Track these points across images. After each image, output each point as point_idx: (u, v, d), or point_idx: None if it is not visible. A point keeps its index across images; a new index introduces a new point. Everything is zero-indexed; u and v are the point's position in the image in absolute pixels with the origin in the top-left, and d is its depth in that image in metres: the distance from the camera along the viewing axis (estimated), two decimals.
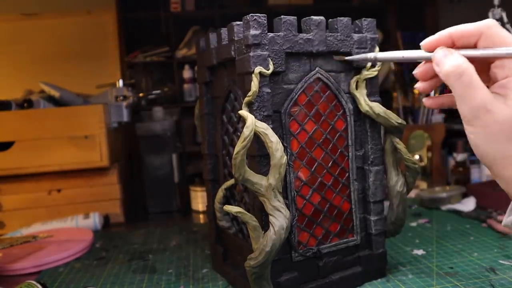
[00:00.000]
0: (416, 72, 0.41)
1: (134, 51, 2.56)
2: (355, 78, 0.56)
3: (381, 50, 0.58)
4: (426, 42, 0.39)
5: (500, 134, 0.34)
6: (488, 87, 0.36)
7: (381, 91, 0.58)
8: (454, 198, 0.92)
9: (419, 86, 0.42)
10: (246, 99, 0.49)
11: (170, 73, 2.61)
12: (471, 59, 0.36)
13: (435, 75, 0.40)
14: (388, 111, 0.55)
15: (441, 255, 0.65)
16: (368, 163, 0.57)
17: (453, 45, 0.38)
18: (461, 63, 0.35)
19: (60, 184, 0.96)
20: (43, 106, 1.00)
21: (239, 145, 0.46)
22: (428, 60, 0.40)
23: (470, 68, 0.35)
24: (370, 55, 0.47)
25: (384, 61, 0.47)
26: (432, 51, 0.39)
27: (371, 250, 0.58)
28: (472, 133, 0.35)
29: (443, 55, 0.37)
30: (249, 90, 0.48)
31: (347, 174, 0.56)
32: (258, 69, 0.48)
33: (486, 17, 1.02)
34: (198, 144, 0.71)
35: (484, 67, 0.38)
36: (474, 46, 0.37)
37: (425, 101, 0.43)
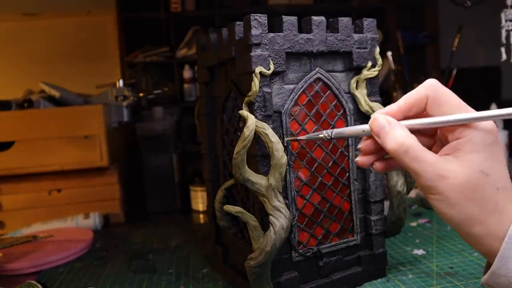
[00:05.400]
0: (361, 147, 0.40)
1: (134, 51, 2.56)
2: (355, 78, 0.56)
3: (381, 50, 0.58)
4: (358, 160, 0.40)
5: (459, 196, 0.34)
6: (431, 148, 0.37)
7: (381, 91, 0.58)
8: None
9: (360, 160, 0.40)
10: (247, 99, 0.49)
11: (170, 73, 2.62)
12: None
13: (380, 148, 0.39)
14: None
15: (441, 255, 0.65)
16: None
17: (407, 115, 0.38)
18: (404, 139, 0.35)
19: (60, 184, 0.96)
20: (43, 106, 1.00)
21: (239, 145, 0.46)
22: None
23: (414, 142, 0.35)
24: (324, 133, 0.43)
25: (335, 139, 0.44)
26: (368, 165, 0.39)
27: (371, 250, 0.58)
28: (434, 200, 0.35)
29: (381, 127, 0.37)
30: (250, 90, 0.48)
31: (347, 174, 0.56)
32: (258, 69, 0.48)
33: (489, 16, 1.02)
34: (198, 144, 0.70)
35: (428, 134, 0.39)
36: (425, 109, 0.37)
37: (375, 166, 0.41)
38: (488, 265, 0.37)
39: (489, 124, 0.35)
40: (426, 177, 0.35)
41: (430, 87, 0.37)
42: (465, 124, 0.35)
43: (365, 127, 0.39)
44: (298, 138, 0.49)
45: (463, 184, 0.34)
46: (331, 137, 0.42)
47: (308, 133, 0.53)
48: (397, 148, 0.35)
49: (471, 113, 0.35)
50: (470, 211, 0.34)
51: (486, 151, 0.35)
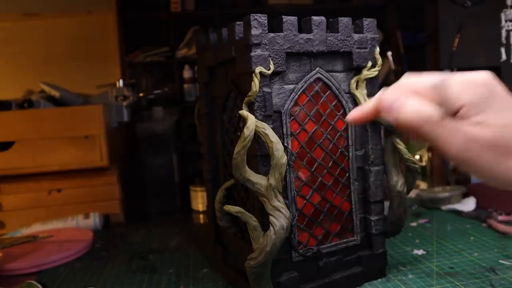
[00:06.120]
0: (350, 119, 0.40)
1: (134, 51, 2.56)
2: (355, 78, 0.56)
3: (381, 50, 0.58)
4: (351, 115, 0.39)
5: (496, 155, 0.33)
6: None
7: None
8: (454, 198, 0.92)
9: (352, 117, 0.40)
10: (247, 99, 0.49)
11: (170, 73, 2.61)
12: None
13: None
14: None
15: (441, 255, 0.65)
16: (368, 163, 0.57)
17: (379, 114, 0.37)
18: (425, 107, 0.34)
19: (60, 184, 0.96)
20: (43, 106, 1.00)
21: (239, 145, 0.46)
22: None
23: (433, 108, 0.34)
24: None
25: None
26: (360, 124, 0.38)
27: (371, 250, 0.58)
28: (473, 166, 0.34)
29: (393, 99, 0.35)
30: (250, 90, 0.48)
31: (347, 174, 0.56)
32: (258, 69, 0.48)
33: (490, 16, 1.02)
34: (198, 144, 0.70)
35: None
36: None
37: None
38: None
39: (481, 77, 0.33)
40: (457, 143, 0.33)
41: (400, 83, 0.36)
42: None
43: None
44: None
45: (494, 141, 0.32)
46: None
47: (308, 133, 0.53)
48: (419, 117, 0.33)
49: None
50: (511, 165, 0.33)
51: (494, 104, 0.33)
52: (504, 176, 0.34)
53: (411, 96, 0.35)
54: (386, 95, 0.36)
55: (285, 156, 0.47)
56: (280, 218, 0.47)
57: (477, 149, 0.33)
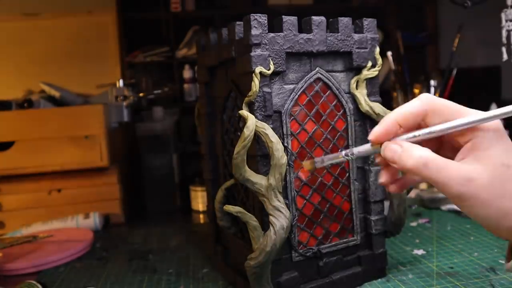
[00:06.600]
0: (379, 161, 0.40)
1: (134, 51, 2.56)
2: (355, 78, 0.56)
3: (381, 50, 0.58)
4: (374, 134, 0.39)
5: (491, 195, 0.34)
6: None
7: (381, 91, 0.58)
8: None
9: (383, 181, 0.41)
10: (247, 99, 0.49)
11: (170, 73, 2.62)
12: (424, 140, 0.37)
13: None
14: (388, 111, 0.55)
15: (441, 255, 0.65)
16: (368, 163, 0.57)
17: (400, 129, 0.38)
18: (420, 153, 0.35)
19: (60, 184, 0.96)
20: (43, 106, 1.00)
21: (239, 145, 0.46)
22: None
23: (430, 154, 0.35)
24: (343, 154, 0.42)
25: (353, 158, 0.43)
26: (381, 143, 0.38)
27: (371, 250, 0.58)
28: (467, 207, 0.35)
29: (394, 151, 0.37)
30: (250, 90, 0.48)
31: (347, 174, 0.56)
32: (258, 69, 0.48)
33: (490, 16, 1.02)
34: (198, 144, 0.71)
35: (433, 142, 0.39)
36: (419, 126, 0.37)
37: (391, 189, 0.41)
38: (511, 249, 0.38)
39: (495, 123, 0.35)
40: (453, 184, 0.34)
41: (427, 100, 0.37)
42: (472, 127, 0.35)
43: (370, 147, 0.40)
44: (316, 164, 0.44)
45: (491, 181, 0.34)
46: (350, 157, 0.41)
47: (308, 133, 0.53)
48: (416, 163, 0.35)
49: (476, 115, 0.35)
50: (506, 206, 0.34)
51: (501, 144, 0.35)
52: (494, 221, 0.35)
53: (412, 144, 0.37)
54: (390, 145, 0.37)
55: (285, 156, 0.47)
56: (280, 218, 0.47)
57: (473, 190, 0.34)
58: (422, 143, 0.37)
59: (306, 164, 0.45)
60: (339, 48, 0.54)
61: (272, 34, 0.49)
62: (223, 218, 0.59)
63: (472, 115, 0.35)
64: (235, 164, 0.47)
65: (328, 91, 0.54)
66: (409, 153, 0.36)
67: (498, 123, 0.35)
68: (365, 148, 0.40)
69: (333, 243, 0.55)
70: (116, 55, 2.55)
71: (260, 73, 0.48)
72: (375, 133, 0.38)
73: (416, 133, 0.37)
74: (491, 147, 0.35)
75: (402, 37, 1.27)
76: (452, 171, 0.35)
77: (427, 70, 2.67)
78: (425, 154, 0.35)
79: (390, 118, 0.38)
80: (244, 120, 0.47)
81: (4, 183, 0.94)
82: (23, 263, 0.71)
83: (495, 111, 0.34)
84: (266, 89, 0.49)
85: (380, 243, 0.58)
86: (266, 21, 0.49)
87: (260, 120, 0.48)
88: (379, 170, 0.57)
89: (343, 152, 0.41)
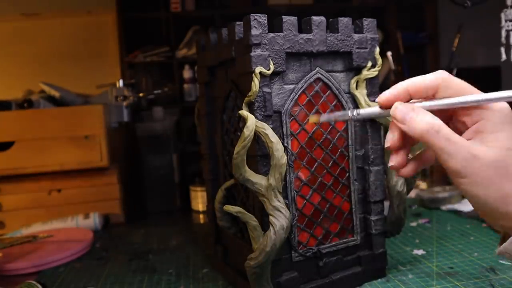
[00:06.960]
0: (388, 145, 0.39)
1: (134, 51, 2.56)
2: (355, 78, 0.56)
3: (381, 50, 0.58)
4: (382, 97, 0.38)
5: (493, 175, 0.34)
6: None
7: (381, 91, 0.58)
8: (454, 198, 0.92)
9: (394, 164, 0.40)
10: (246, 99, 0.49)
11: (170, 73, 2.62)
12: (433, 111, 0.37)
13: (407, 143, 0.39)
14: None
15: (441, 255, 0.65)
16: (368, 163, 0.57)
17: (411, 98, 0.38)
18: (433, 120, 0.35)
19: (60, 184, 0.96)
20: (43, 106, 1.00)
21: (239, 145, 0.46)
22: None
23: (441, 122, 0.35)
24: (349, 113, 0.42)
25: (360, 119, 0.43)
26: (389, 107, 0.38)
27: (371, 250, 0.58)
28: (466, 184, 0.35)
29: (406, 112, 0.36)
30: (250, 90, 0.48)
31: (347, 174, 0.56)
32: (258, 69, 0.48)
33: (490, 16, 1.02)
34: (198, 144, 0.71)
35: (442, 115, 0.39)
36: (431, 99, 0.37)
37: (402, 172, 0.40)
38: (504, 237, 0.38)
39: (503, 104, 0.35)
40: (458, 157, 0.34)
41: (442, 75, 0.37)
42: (481, 106, 0.35)
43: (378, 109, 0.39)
44: (321, 119, 0.45)
45: (495, 162, 0.34)
46: (355, 117, 0.41)
47: (308, 133, 0.53)
48: (429, 128, 0.35)
49: (488, 93, 0.35)
50: (505, 189, 0.34)
51: (508, 129, 0.35)
52: (492, 203, 0.35)
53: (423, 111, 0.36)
54: (401, 106, 0.37)
55: (285, 156, 0.47)
56: (280, 218, 0.47)
57: (476, 168, 0.34)
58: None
59: (312, 118, 0.46)
60: (339, 48, 0.54)
61: (272, 34, 0.49)
62: (223, 218, 0.59)
63: (482, 94, 0.35)
64: (235, 164, 0.47)
65: (328, 91, 0.54)
66: (422, 116, 0.36)
67: (506, 106, 0.35)
68: (373, 109, 0.40)
69: (333, 243, 0.55)
70: (116, 55, 2.56)
71: (260, 73, 0.48)
72: (385, 95, 0.38)
73: (432, 102, 0.37)
74: (499, 131, 0.35)
75: (402, 37, 1.28)
76: (460, 144, 0.34)
77: (427, 70, 2.67)
78: (438, 121, 0.35)
79: (402, 85, 0.38)
80: (244, 120, 0.47)
81: (4, 183, 0.94)
82: (23, 263, 0.71)
83: (504, 92, 0.34)
84: (266, 89, 0.49)
85: (380, 243, 0.58)
86: (266, 21, 0.49)
87: (260, 120, 0.48)
88: (379, 170, 0.57)
89: (350, 111, 0.41)
